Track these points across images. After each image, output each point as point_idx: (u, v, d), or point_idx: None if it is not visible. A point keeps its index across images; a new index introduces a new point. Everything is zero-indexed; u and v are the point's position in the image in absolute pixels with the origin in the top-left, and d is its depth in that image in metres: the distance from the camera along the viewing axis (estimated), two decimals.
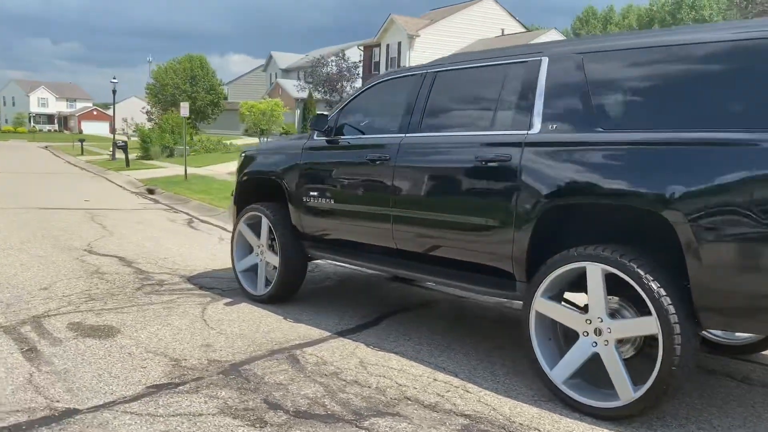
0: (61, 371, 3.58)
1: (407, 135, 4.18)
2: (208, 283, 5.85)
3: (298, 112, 42.95)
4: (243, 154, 5.68)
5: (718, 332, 4.06)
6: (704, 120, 2.89)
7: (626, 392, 2.99)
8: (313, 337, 4.35)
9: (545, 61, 3.55)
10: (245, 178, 5.51)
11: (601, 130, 3.20)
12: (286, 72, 57.92)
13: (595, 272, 3.07)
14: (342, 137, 4.74)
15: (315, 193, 4.74)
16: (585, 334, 3.17)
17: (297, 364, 3.84)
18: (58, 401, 3.17)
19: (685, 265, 2.82)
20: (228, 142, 30.02)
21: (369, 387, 3.49)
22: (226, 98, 52.73)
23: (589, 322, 3.15)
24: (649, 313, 2.90)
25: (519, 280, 3.54)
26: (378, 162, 4.27)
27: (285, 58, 59.44)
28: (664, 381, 2.88)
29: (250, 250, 5.53)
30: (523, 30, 37.29)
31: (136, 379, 3.51)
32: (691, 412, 3.25)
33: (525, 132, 3.48)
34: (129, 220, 9.89)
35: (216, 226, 9.63)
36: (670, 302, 2.83)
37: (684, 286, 2.87)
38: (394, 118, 4.39)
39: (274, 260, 5.17)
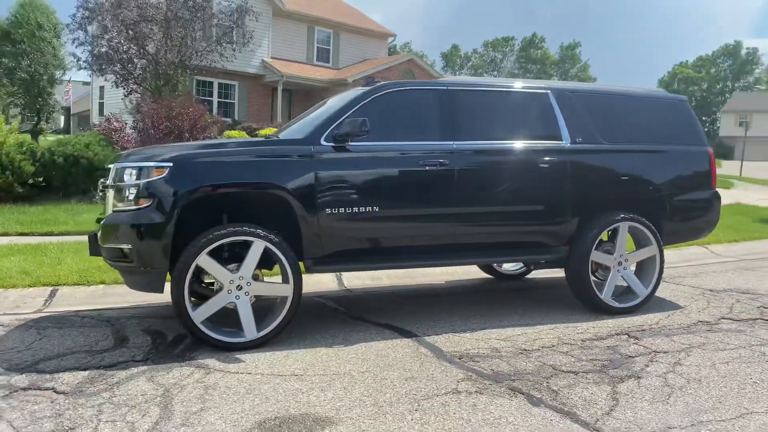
0: None
1: (458, 143, 4.68)
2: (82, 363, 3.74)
3: None
4: (170, 163, 3.97)
5: None
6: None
7: (642, 290, 5.16)
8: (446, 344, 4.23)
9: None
10: (198, 193, 4.01)
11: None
12: None
13: (624, 228, 5.07)
14: (373, 143, 4.47)
15: (350, 203, 4.34)
16: (614, 267, 5.08)
17: (498, 353, 4.07)
18: None
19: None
20: None
21: (574, 344, 4.28)
22: None
23: (615, 259, 5.09)
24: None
25: (561, 246, 4.98)
26: (438, 167, 4.55)
27: None
28: (657, 285, 5.22)
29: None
30: None
31: None
32: None
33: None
34: None
35: None
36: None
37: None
38: (432, 127, 4.70)
39: (272, 291, 4.28)
